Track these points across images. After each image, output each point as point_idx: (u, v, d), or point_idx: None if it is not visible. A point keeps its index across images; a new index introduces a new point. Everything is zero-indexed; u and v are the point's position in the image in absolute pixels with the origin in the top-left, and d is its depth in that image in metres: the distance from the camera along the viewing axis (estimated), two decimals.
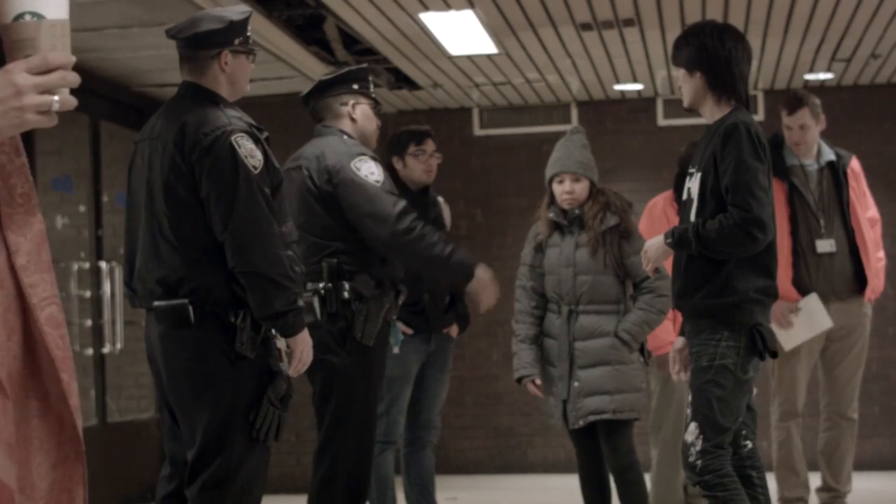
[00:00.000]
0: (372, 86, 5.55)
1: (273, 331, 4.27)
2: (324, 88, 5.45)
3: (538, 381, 5.94)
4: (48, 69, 2.14)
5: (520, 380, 5.99)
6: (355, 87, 5.44)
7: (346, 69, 5.57)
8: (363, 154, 5.26)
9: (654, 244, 4.65)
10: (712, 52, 4.57)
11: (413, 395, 6.41)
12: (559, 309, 5.93)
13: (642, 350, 6.00)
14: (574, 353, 5.87)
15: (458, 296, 6.55)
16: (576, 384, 5.85)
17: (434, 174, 6.52)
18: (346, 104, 5.41)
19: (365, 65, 5.78)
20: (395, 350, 5.65)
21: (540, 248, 6.04)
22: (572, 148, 6.07)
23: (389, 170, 6.47)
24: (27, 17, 2.16)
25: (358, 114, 5.42)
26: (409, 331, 6.25)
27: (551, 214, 6.00)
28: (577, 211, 5.96)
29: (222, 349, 4.20)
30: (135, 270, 4.37)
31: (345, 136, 5.34)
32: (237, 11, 4.43)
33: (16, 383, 2.28)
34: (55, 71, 2.15)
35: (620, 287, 5.95)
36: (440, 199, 6.68)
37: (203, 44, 4.36)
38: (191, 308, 4.19)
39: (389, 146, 6.58)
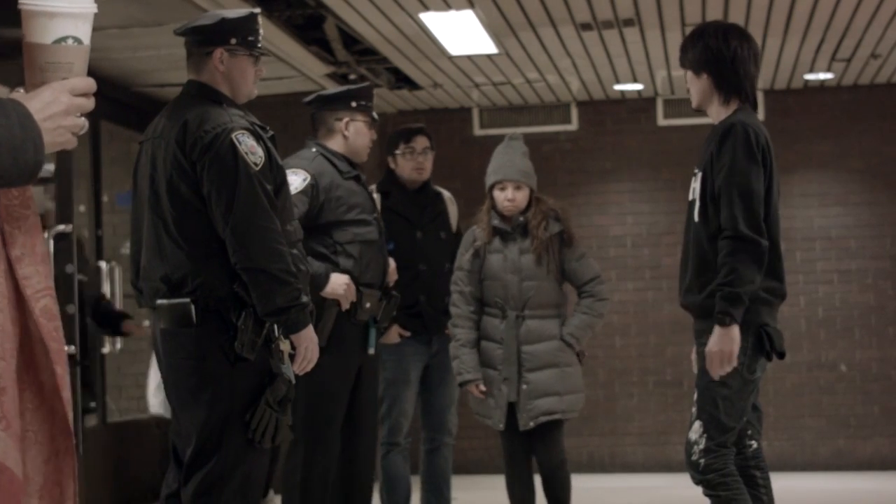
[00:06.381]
0: (372, 101, 5.75)
1: (276, 332, 4.26)
2: (323, 102, 5.71)
3: (482, 387, 6.04)
4: (86, 93, 2.24)
5: (463, 384, 6.09)
6: (354, 104, 5.68)
7: (348, 88, 5.81)
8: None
9: (715, 342, 4.36)
10: (717, 52, 4.56)
11: (423, 398, 6.47)
12: (504, 314, 6.03)
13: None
14: (522, 357, 5.99)
15: None
16: (524, 387, 5.98)
17: (426, 171, 6.46)
18: (340, 120, 5.67)
19: (368, 83, 5.96)
20: (371, 351, 5.66)
21: (478, 254, 6.11)
22: (514, 156, 6.15)
23: (386, 170, 6.51)
24: (69, 41, 2.23)
25: (350, 131, 5.67)
26: (407, 333, 6.27)
27: (495, 221, 6.09)
28: (520, 218, 6.07)
29: (223, 349, 4.19)
30: (140, 270, 4.38)
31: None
32: (235, 11, 4.44)
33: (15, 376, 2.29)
34: (87, 96, 2.25)
35: (561, 291, 6.10)
36: (446, 194, 6.64)
37: (197, 40, 4.40)
38: (193, 307, 4.19)
39: (385, 146, 6.60)
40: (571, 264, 6.05)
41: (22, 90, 2.28)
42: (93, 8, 2.26)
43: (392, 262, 5.81)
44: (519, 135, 6.31)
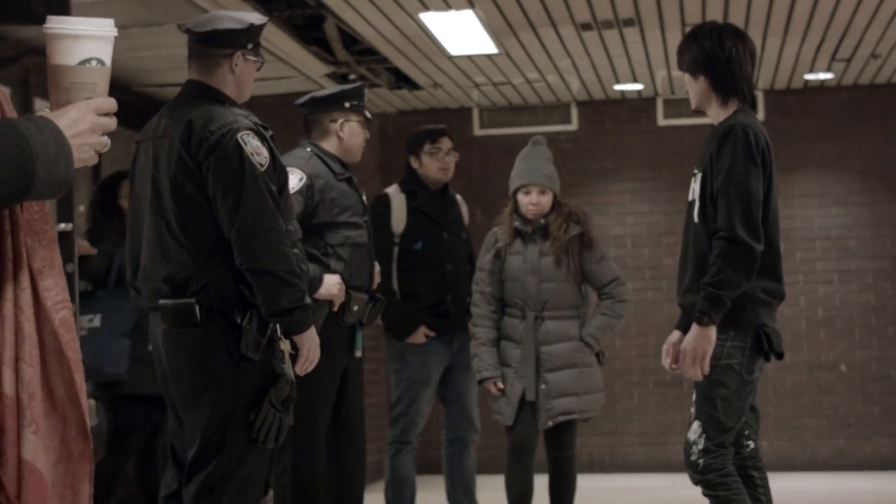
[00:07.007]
0: (365, 101, 5.75)
1: (278, 332, 4.27)
2: (316, 103, 5.70)
3: (500, 385, 6.13)
4: (109, 112, 2.34)
5: (481, 381, 6.17)
6: (347, 105, 5.67)
7: (341, 88, 5.79)
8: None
9: (690, 341, 4.36)
10: (711, 54, 4.56)
11: (448, 396, 6.49)
12: (523, 314, 6.14)
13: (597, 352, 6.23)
14: (541, 357, 6.08)
15: None
16: (543, 387, 6.08)
17: (451, 172, 6.57)
18: (335, 121, 5.67)
19: (360, 83, 5.96)
20: (358, 354, 5.65)
21: (499, 255, 6.21)
22: (539, 160, 6.29)
23: (407, 169, 6.54)
24: (93, 63, 2.34)
25: (345, 131, 5.66)
26: (432, 333, 6.31)
27: (516, 223, 6.19)
28: (542, 220, 6.19)
29: (227, 350, 4.19)
30: (139, 269, 4.37)
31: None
32: (256, 16, 4.44)
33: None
34: (110, 115, 2.34)
35: (579, 292, 6.20)
36: (458, 197, 6.73)
37: (218, 42, 4.36)
38: (197, 307, 4.19)
39: (406, 146, 6.65)
40: (591, 266, 6.16)
41: (47, 109, 2.35)
42: (114, 31, 2.36)
43: (377, 266, 5.82)
44: (542, 139, 6.42)
